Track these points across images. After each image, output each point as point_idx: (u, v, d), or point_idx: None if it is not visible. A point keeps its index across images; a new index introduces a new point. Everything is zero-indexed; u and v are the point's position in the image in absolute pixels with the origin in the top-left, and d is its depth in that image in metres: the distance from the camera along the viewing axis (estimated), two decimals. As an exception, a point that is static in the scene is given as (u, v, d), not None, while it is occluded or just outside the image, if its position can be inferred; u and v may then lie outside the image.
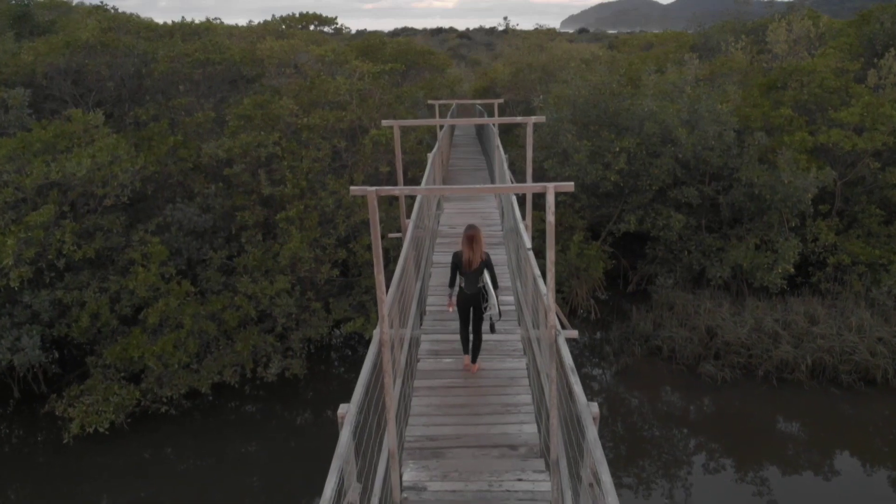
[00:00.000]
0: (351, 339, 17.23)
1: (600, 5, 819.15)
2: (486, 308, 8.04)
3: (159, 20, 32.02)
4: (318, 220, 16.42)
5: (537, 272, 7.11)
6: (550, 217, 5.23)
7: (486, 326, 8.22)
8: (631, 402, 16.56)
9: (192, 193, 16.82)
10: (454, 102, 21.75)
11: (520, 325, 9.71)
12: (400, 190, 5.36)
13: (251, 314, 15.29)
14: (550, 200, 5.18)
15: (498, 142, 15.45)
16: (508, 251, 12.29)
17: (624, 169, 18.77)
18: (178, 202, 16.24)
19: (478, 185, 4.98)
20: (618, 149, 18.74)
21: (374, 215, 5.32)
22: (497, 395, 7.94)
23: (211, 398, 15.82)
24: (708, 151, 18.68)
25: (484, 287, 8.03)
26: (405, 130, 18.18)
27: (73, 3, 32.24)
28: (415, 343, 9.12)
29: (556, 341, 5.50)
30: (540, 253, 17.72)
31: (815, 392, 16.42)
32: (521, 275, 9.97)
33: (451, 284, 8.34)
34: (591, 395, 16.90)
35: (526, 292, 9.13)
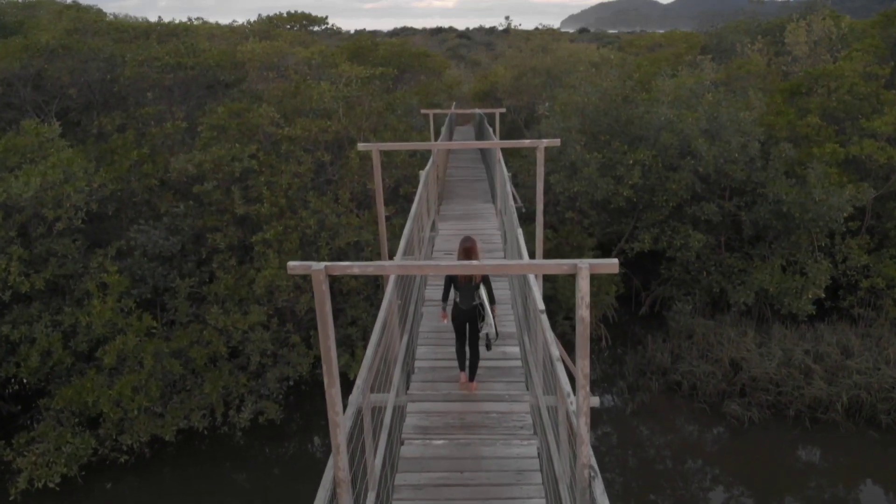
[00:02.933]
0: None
1: (600, 5, 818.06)
2: (482, 326, 7.58)
3: (159, 20, 30.25)
4: (298, 242, 14.70)
5: (554, 351, 5.39)
6: (584, 312, 3.52)
7: (488, 321, 7.65)
8: (648, 444, 14.86)
9: (158, 213, 15.09)
10: (449, 112, 19.98)
11: (528, 388, 8.01)
12: (360, 268, 3.64)
13: (221, 351, 13.57)
14: (584, 288, 3.47)
15: (500, 155, 13.73)
16: (513, 287, 10.57)
17: (638, 183, 17.05)
18: (141, 223, 14.51)
19: (482, 262, 3.19)
20: (631, 161, 17.02)
21: (324, 304, 3.62)
22: (502, 497, 6.22)
23: (181, 441, 14.08)
24: (731, 164, 16.95)
25: (480, 304, 7.55)
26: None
27: (67, 2, 30.40)
28: (398, 415, 7.42)
29: (590, 487, 3.77)
30: (551, 280, 15.86)
31: (851, 435, 14.74)
32: (529, 328, 8.28)
33: (444, 299, 7.95)
34: (604, 433, 15.21)
35: (535, 351, 7.46)
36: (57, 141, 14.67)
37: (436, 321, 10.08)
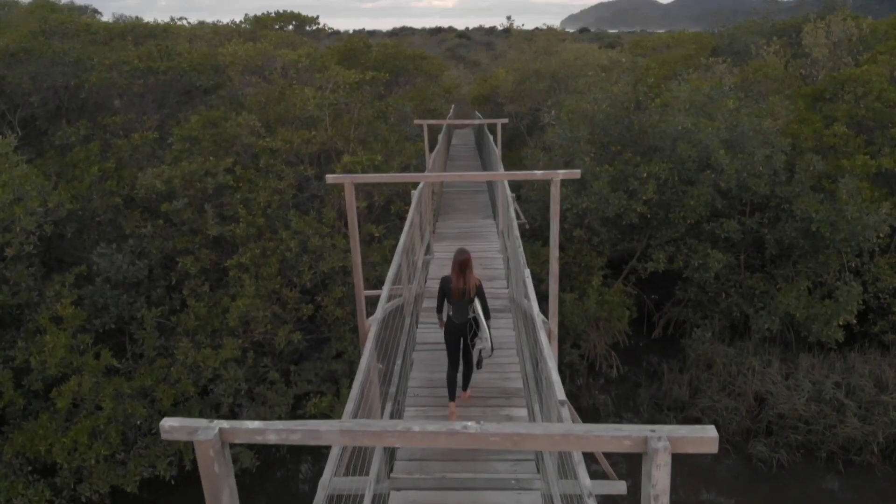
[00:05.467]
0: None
1: (600, 4, 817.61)
2: (476, 342, 7.35)
3: (159, 20, 28.66)
4: (278, 267, 13.25)
5: (585, 480, 3.93)
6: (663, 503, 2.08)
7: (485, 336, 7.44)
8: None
9: (124, 234, 13.62)
10: (446, 123, 18.51)
11: (539, 472, 6.57)
12: (280, 433, 2.19)
13: (190, 391, 12.12)
14: (662, 483, 2.04)
15: (506, 186, 12.28)
16: (518, 331, 9.12)
17: (652, 199, 15.59)
18: (102, 247, 13.04)
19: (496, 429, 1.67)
20: (645, 174, 15.57)
21: (219, 490, 2.19)
22: None
23: (149, 482, 12.61)
24: (754, 178, 15.50)
25: (475, 318, 7.29)
26: (389, 155, 14.95)
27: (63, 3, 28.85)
28: (380, 508, 5.99)
29: None
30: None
31: (888, 479, 13.31)
32: (539, 390, 6.85)
33: (440, 311, 7.65)
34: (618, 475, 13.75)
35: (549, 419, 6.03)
36: (11, 156, 13.19)
37: (430, 372, 8.64)
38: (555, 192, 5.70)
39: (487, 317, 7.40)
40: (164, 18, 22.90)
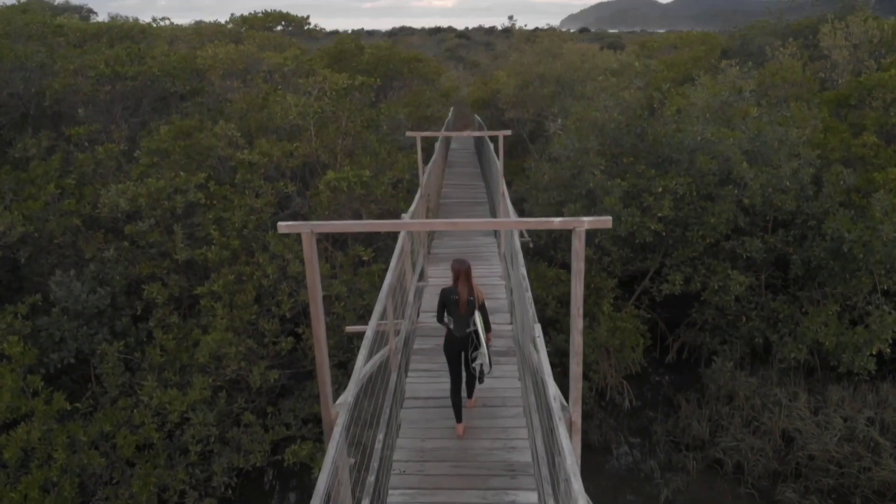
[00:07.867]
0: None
1: (599, 4, 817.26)
2: (475, 356, 7.09)
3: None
4: (254, 294, 11.92)
5: None
6: None
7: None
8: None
9: (84, 258, 12.29)
10: (441, 135, 17.18)
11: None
12: None
13: (153, 437, 10.80)
14: None
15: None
16: (524, 386, 7.78)
17: (668, 215, 14.28)
18: (57, 274, 11.70)
19: None
20: (660, 189, 14.25)
21: None
22: None
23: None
24: (780, 194, 14.19)
25: (475, 331, 7.07)
26: (379, 169, 13.56)
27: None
28: None
29: None
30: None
31: (931, 528, 11.99)
32: (556, 487, 5.53)
33: (441, 320, 7.37)
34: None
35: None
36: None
37: (420, 438, 7.29)
38: (578, 246, 4.34)
39: (488, 329, 7.35)
40: (160, 18, 21.63)
